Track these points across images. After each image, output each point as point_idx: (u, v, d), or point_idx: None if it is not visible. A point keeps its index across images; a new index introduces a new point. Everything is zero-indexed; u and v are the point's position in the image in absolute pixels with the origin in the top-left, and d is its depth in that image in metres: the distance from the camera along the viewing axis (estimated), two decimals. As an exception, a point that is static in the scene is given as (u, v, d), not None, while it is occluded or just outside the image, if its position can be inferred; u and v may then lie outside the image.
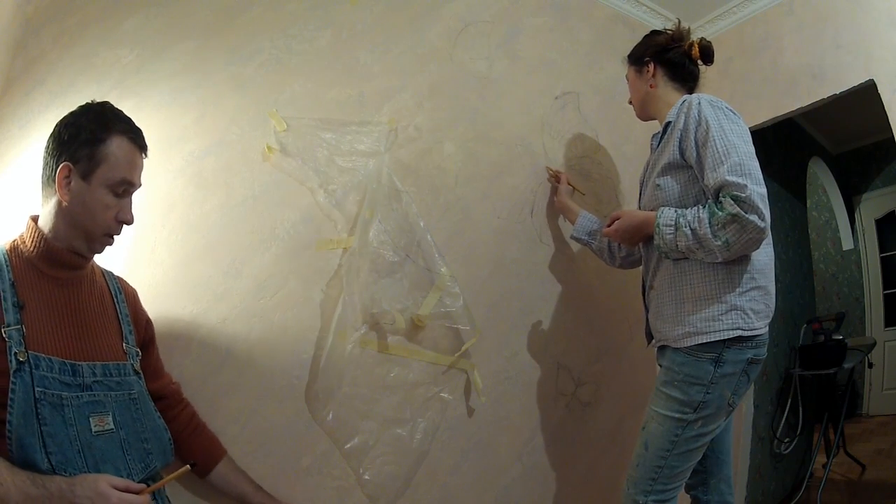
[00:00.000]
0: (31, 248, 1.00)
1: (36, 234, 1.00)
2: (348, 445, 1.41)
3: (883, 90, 1.97)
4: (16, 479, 0.84)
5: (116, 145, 1.01)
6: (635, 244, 1.58)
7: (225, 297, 1.33)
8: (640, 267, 1.65)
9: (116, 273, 1.18)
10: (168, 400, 1.18)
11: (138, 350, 1.11)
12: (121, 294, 1.13)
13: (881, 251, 4.61)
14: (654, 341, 1.52)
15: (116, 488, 0.87)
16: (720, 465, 1.53)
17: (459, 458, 1.61)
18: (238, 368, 1.32)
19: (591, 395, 1.96)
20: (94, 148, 0.99)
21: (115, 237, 1.06)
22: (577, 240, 1.85)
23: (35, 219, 1.03)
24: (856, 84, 2.06)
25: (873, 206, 4.68)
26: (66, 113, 1.22)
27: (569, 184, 1.92)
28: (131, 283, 1.20)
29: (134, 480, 0.96)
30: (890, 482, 2.89)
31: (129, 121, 1.05)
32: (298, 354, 1.40)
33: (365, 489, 1.42)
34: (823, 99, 2.16)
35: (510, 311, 1.79)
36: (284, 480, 1.32)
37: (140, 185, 1.08)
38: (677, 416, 1.35)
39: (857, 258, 4.70)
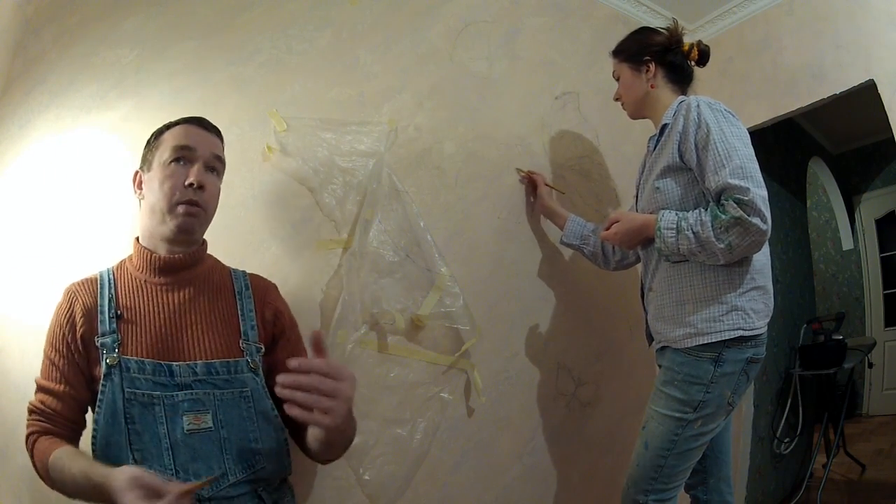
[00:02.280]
0: (137, 263, 1.06)
1: (140, 251, 1.06)
2: (348, 445, 1.41)
3: (883, 90, 1.97)
4: (73, 467, 0.86)
5: (168, 133, 1.08)
6: (634, 247, 1.58)
7: (225, 297, 1.33)
8: (639, 267, 1.65)
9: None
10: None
11: (260, 346, 1.09)
12: (247, 290, 1.13)
13: (881, 251, 4.61)
14: (654, 342, 1.52)
15: (147, 485, 0.79)
16: (720, 465, 1.53)
17: (459, 458, 1.61)
18: (238, 368, 1.32)
19: (591, 395, 1.96)
20: (153, 145, 1.08)
21: (196, 206, 1.04)
22: (569, 245, 1.81)
23: (137, 238, 1.09)
24: (856, 84, 2.06)
25: (873, 206, 4.68)
26: (65, 112, 1.23)
27: (546, 184, 1.87)
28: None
29: (229, 480, 0.95)
30: (890, 482, 2.89)
31: (192, 117, 1.11)
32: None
33: (365, 489, 1.42)
34: (823, 99, 2.16)
35: (510, 311, 1.79)
36: (284, 480, 1.32)
37: (214, 155, 1.09)
38: (677, 415, 1.35)
39: (857, 258, 4.70)
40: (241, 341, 1.06)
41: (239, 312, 1.09)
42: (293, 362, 0.85)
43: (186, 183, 1.03)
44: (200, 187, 1.04)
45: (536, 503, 1.78)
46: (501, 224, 1.82)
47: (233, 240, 1.36)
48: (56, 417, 0.94)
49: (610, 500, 1.88)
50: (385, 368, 1.50)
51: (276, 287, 1.21)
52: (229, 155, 1.38)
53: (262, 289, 1.17)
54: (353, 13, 1.63)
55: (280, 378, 0.84)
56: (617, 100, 1.66)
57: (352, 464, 1.41)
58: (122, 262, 1.07)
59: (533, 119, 1.97)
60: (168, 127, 1.09)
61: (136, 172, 1.09)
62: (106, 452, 0.90)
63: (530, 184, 1.88)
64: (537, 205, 1.88)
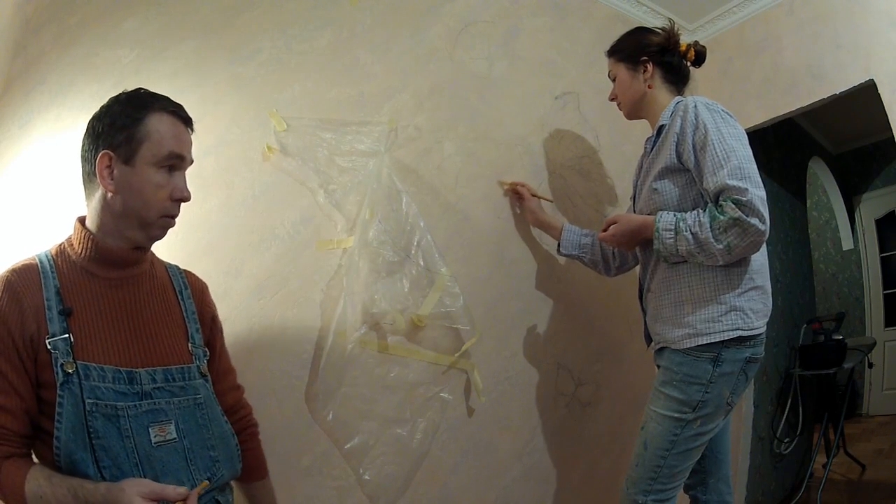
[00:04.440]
0: (80, 251, 0.94)
1: (83, 236, 0.94)
2: (348, 445, 1.41)
3: (883, 90, 1.97)
4: (56, 491, 0.78)
5: (156, 120, 0.94)
6: (632, 248, 1.58)
7: (225, 297, 1.33)
8: (637, 268, 1.64)
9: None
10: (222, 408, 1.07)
11: (206, 350, 1.04)
12: (186, 289, 1.06)
13: (881, 251, 4.61)
14: (653, 343, 1.52)
15: (151, 495, 0.78)
16: (719, 465, 1.53)
17: (459, 458, 1.61)
18: (238, 369, 1.31)
19: (591, 395, 1.96)
20: (132, 129, 0.92)
21: (174, 218, 0.98)
22: (567, 256, 1.78)
23: (82, 220, 0.97)
24: (856, 84, 2.06)
25: (873, 206, 4.68)
26: (66, 113, 1.22)
27: (534, 195, 1.81)
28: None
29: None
30: (890, 482, 2.89)
31: (166, 98, 0.98)
32: (298, 354, 1.40)
33: (365, 489, 1.42)
34: (823, 99, 2.16)
35: (510, 311, 1.79)
36: (284, 480, 1.32)
37: (191, 160, 1.00)
38: (676, 415, 1.35)
39: (857, 258, 4.70)
40: (189, 345, 1.00)
41: (183, 314, 1.03)
42: None
43: (176, 197, 0.96)
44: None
45: (536, 503, 1.78)
46: (501, 224, 1.82)
47: (233, 240, 1.36)
48: (13, 437, 0.83)
49: (610, 500, 1.88)
50: (385, 368, 1.50)
51: (208, 287, 1.14)
52: (229, 155, 1.39)
53: (199, 289, 1.10)
54: (353, 13, 1.63)
55: None
56: (612, 100, 1.65)
57: (352, 464, 1.41)
58: (60, 247, 0.95)
59: (533, 119, 1.97)
60: (146, 107, 0.94)
61: (106, 155, 0.91)
62: (70, 471, 0.82)
63: (515, 196, 1.83)
64: (528, 219, 1.84)
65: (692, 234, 1.31)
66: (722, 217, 1.26)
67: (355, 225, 1.50)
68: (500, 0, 1.96)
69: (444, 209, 1.70)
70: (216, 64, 1.41)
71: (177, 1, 1.39)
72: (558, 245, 1.78)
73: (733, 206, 1.25)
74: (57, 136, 1.22)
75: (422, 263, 1.59)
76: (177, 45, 1.37)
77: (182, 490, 0.81)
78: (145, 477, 0.85)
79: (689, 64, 1.58)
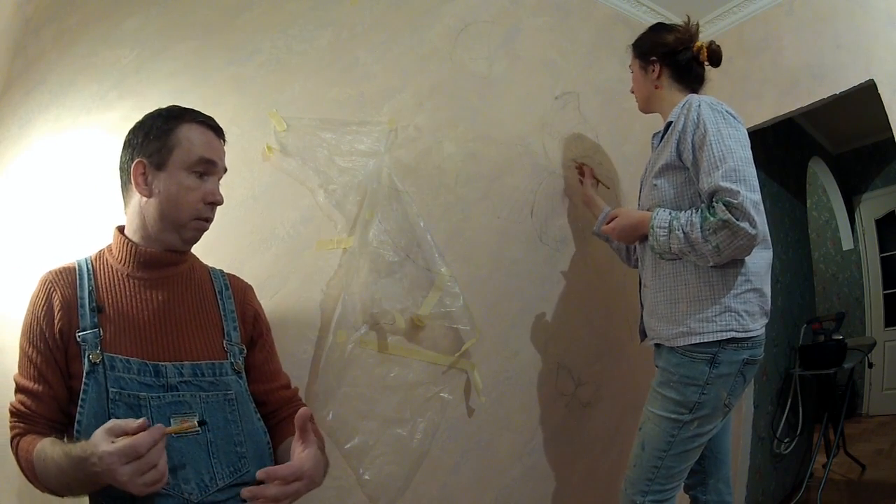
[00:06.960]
0: (118, 256, 1.01)
1: (122, 242, 1.01)
2: (348, 445, 1.41)
3: (883, 90, 1.97)
4: (54, 452, 0.83)
5: (187, 129, 1.01)
6: (632, 242, 1.60)
7: (225, 297, 1.33)
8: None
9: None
10: (268, 408, 1.10)
11: (242, 347, 1.08)
12: (227, 290, 1.11)
13: (881, 251, 4.61)
14: (647, 339, 1.53)
15: (115, 429, 0.79)
16: (719, 466, 1.53)
17: (459, 458, 1.61)
18: (238, 368, 1.32)
19: (591, 395, 1.96)
20: (164, 138, 0.99)
21: (208, 222, 1.04)
22: (598, 235, 1.87)
23: (121, 229, 1.03)
24: (856, 84, 2.06)
25: (873, 206, 4.68)
26: (66, 112, 1.22)
27: (594, 178, 1.96)
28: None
29: (218, 485, 0.93)
30: (890, 482, 2.89)
31: (198, 111, 1.05)
32: (298, 354, 1.40)
33: (365, 489, 1.42)
34: (823, 99, 2.16)
35: (510, 311, 1.79)
36: (284, 480, 1.32)
37: (224, 167, 1.06)
38: (673, 416, 1.35)
39: (857, 258, 4.70)
40: (224, 342, 1.04)
41: (221, 312, 1.07)
42: (261, 474, 0.87)
43: (209, 200, 1.02)
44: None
45: (536, 503, 1.78)
46: (501, 224, 1.82)
47: (233, 240, 1.36)
48: (37, 418, 0.91)
49: (609, 501, 1.88)
50: (385, 368, 1.50)
51: (252, 288, 1.19)
52: (229, 155, 1.39)
53: (240, 289, 1.15)
54: (353, 13, 1.63)
55: (244, 491, 0.88)
56: (632, 92, 1.67)
57: (352, 464, 1.41)
58: (101, 253, 1.03)
59: (533, 119, 1.97)
60: (177, 118, 1.01)
61: (140, 163, 0.99)
62: None
63: (579, 172, 1.98)
64: (580, 192, 1.96)
65: (684, 233, 1.32)
66: (712, 218, 1.26)
67: (355, 225, 1.50)
68: (500, 0, 1.96)
69: (444, 209, 1.70)
70: (216, 64, 1.41)
71: (177, 1, 1.39)
72: (595, 225, 1.87)
73: (724, 208, 1.25)
74: (57, 136, 1.22)
75: (422, 263, 1.59)
76: (177, 45, 1.37)
77: (141, 421, 0.80)
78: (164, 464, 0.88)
79: (703, 63, 1.56)
